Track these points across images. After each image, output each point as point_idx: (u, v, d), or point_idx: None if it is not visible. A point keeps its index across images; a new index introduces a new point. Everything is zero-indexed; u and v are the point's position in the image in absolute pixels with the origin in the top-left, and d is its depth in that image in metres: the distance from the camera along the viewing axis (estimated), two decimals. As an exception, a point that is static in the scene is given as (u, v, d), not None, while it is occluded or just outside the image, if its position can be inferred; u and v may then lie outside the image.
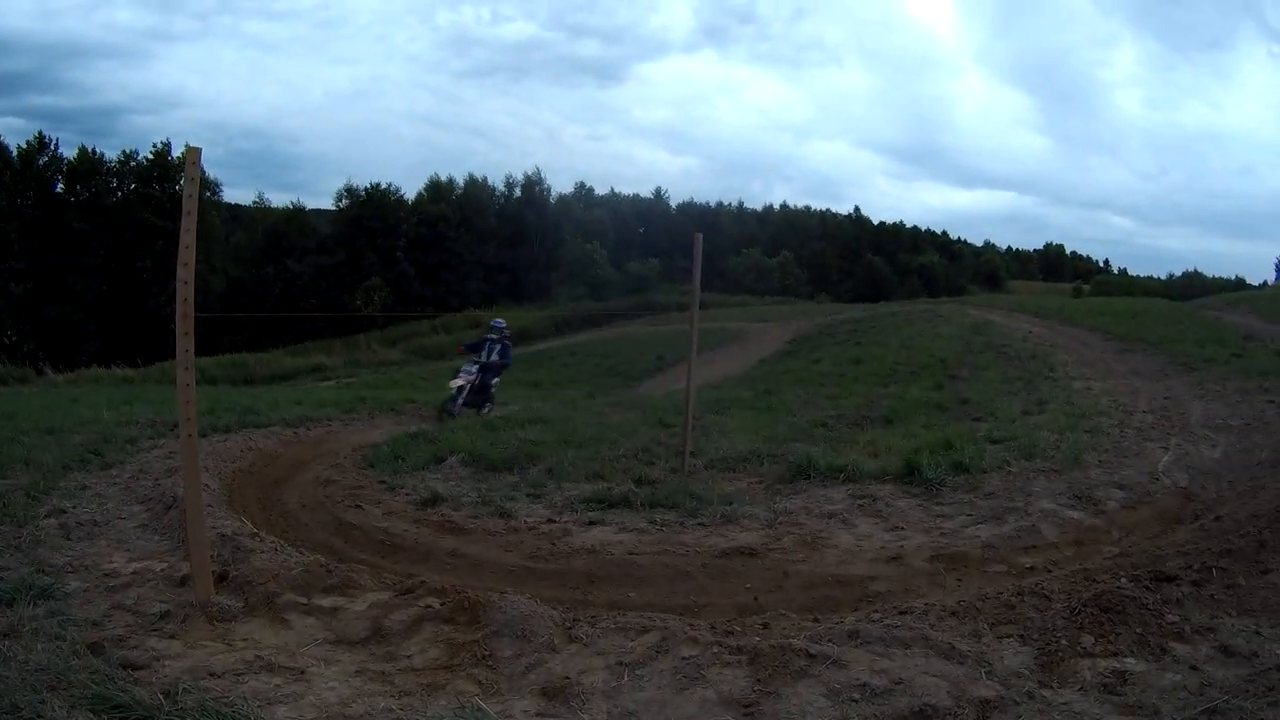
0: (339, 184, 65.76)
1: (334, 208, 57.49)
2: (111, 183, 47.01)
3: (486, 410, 12.78)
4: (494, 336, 13.50)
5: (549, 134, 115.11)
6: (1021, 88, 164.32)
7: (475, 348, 13.63)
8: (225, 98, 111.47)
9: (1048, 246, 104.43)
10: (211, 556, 4.31)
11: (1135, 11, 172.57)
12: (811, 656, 3.26)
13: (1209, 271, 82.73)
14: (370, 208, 55.01)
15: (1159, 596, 3.59)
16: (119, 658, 3.31)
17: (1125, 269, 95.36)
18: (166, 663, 3.34)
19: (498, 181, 64.31)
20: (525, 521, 6.15)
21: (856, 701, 2.97)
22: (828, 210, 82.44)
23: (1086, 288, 71.86)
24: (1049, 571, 4.75)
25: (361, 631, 3.80)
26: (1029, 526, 5.59)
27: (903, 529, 5.75)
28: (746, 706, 3.00)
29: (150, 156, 47.09)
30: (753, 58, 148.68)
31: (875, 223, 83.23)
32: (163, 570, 4.50)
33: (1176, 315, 22.20)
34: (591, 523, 6.09)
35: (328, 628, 3.85)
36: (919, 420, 9.73)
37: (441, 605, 3.96)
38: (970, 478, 6.73)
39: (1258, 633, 3.29)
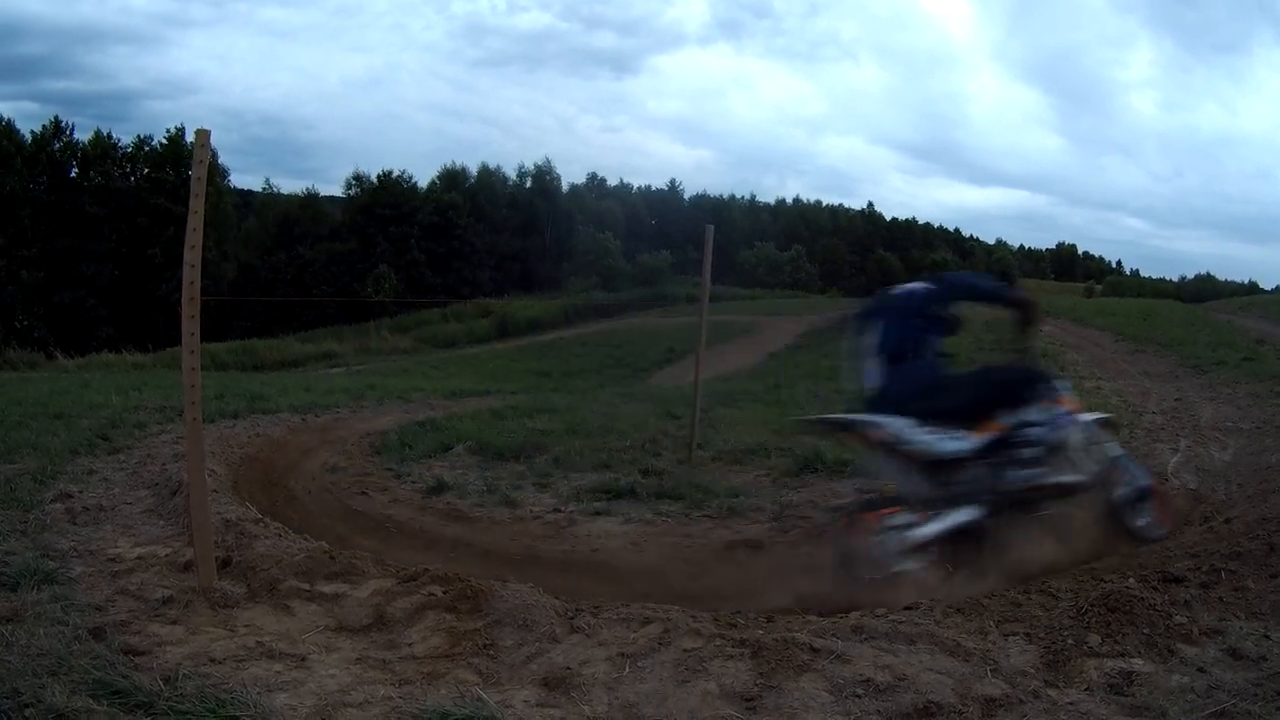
0: (353, 171, 65.56)
1: (344, 195, 57.59)
2: (125, 168, 47.10)
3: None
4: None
5: (563, 124, 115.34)
6: (1036, 86, 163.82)
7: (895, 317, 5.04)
8: (240, 84, 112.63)
9: (1060, 246, 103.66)
10: (215, 542, 4.31)
11: (1151, 11, 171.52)
12: (815, 651, 3.24)
13: (1222, 275, 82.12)
14: (383, 196, 55.00)
15: (1167, 597, 3.56)
16: (120, 643, 3.30)
17: (1138, 270, 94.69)
18: (168, 648, 3.33)
19: (510, 171, 64.40)
20: (531, 510, 6.16)
21: (860, 697, 2.94)
22: (840, 205, 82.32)
23: (1098, 288, 71.56)
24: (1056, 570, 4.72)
25: (364, 619, 3.79)
26: (1037, 524, 5.55)
27: (909, 525, 5.72)
28: (748, 700, 2.97)
29: (164, 142, 47.16)
30: (767, 52, 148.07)
31: (888, 219, 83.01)
32: (167, 555, 4.50)
33: (1188, 317, 22.02)
34: (597, 513, 6.10)
35: (330, 614, 3.84)
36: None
37: (444, 593, 3.95)
38: (978, 474, 6.68)
39: (1266, 636, 3.25)
